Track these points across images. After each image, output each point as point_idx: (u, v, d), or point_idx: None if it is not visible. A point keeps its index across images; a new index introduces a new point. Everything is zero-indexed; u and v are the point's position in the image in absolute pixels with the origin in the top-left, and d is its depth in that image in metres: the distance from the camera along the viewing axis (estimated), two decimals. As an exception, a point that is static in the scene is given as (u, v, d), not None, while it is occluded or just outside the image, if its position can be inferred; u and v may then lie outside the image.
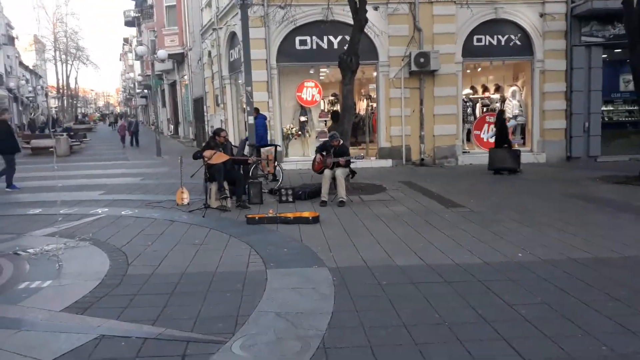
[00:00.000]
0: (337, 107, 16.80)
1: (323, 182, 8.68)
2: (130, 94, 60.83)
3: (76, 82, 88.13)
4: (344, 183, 8.60)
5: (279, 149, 11.87)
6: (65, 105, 77.43)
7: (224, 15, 16.42)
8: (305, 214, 7.45)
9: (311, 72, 15.02)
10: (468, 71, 15.88)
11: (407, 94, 14.43)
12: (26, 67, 53.74)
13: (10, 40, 45.87)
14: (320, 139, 15.14)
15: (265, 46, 13.90)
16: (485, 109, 15.75)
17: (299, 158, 14.76)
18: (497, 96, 15.91)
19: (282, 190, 8.96)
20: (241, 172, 9.24)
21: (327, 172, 8.71)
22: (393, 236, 6.46)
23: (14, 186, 11.11)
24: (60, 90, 77.24)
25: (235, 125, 16.91)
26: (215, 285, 4.72)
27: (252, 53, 13.80)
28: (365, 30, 12.24)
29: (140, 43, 36.70)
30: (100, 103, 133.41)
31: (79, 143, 23.22)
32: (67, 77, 77.70)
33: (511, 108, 15.40)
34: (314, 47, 14.26)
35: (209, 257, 5.67)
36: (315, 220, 7.24)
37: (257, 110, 12.70)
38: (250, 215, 7.38)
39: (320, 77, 16.09)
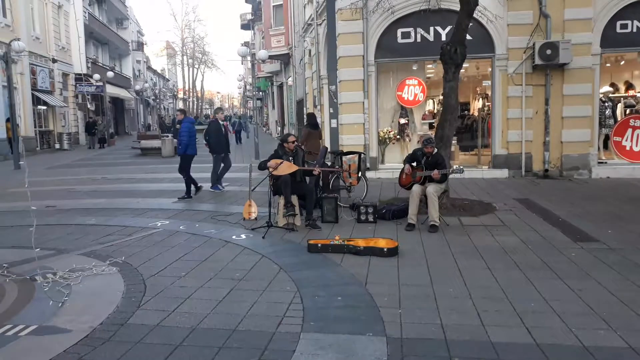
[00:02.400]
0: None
1: (410, 201, 7.05)
2: (248, 96, 62.65)
3: (202, 85, 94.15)
4: (437, 202, 6.90)
5: (363, 156, 10.34)
6: (191, 106, 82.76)
7: (323, 10, 15.26)
8: (381, 243, 5.91)
9: (414, 68, 13.30)
10: (608, 65, 13.14)
11: (529, 92, 12.16)
12: (154, 71, 57.52)
13: (140, 46, 49.23)
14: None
15: (363, 40, 12.47)
16: (629, 111, 12.89)
17: (396, 165, 13.08)
18: (645, 94, 12.95)
19: (362, 207, 7.47)
20: (314, 184, 7.93)
21: (416, 188, 7.07)
22: (493, 286, 4.70)
23: (217, 187, 10.83)
24: (186, 93, 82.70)
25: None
26: (222, 356, 3.40)
27: (347, 49, 12.58)
28: (477, 16, 10.37)
29: (251, 46, 37.17)
30: (226, 105, 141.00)
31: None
32: (194, 80, 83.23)
33: (665, 109, 12.42)
34: (418, 39, 12.54)
35: (240, 300, 4.39)
36: (392, 252, 5.66)
37: (182, 112, 11.73)
38: (312, 241, 6.01)
39: (427, 75, 14.29)
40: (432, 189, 6.91)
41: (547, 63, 11.61)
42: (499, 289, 4.61)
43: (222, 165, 10.90)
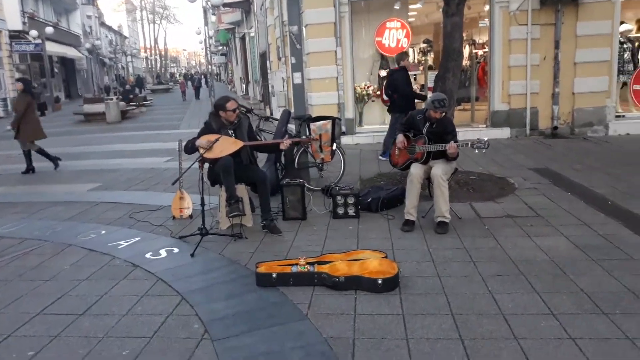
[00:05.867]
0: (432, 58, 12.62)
1: (408, 188, 4.89)
2: (213, 52, 58.84)
3: (165, 42, 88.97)
4: (447, 189, 4.76)
5: (339, 121, 8.03)
6: (153, 66, 78.12)
7: (283, -60, 12.60)
8: (371, 265, 3.77)
9: (396, 7, 10.93)
10: (628, -3, 11.00)
11: (535, 34, 9.98)
12: (109, 28, 53.19)
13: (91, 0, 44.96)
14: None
15: (332, -27, 10.02)
16: (651, 53, 10.85)
17: (377, 128, 10.93)
18: (671, 33, 10.89)
19: (339, 197, 5.30)
20: (272, 164, 5.72)
21: (415, 169, 4.90)
22: (573, 352, 2.64)
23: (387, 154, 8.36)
24: (147, 51, 77.94)
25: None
26: None
27: (312, -17, 10.14)
28: None
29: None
30: (193, 62, 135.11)
31: (134, 108, 20.83)
32: (156, 37, 78.24)
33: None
34: (401, -30, 10.15)
35: None
36: (391, 284, 3.53)
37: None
38: (263, 267, 3.83)
39: (410, 17, 11.91)
40: (440, 170, 4.76)
41: (560, -4, 9.42)
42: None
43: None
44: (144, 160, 9.65)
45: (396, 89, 8.23)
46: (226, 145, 4.73)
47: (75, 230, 5.32)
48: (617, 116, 10.41)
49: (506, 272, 3.77)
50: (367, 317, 3.17)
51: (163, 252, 4.52)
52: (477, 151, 4.67)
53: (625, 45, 10.59)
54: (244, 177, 5.02)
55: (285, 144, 4.83)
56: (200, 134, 4.85)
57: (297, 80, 6.61)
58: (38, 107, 23.06)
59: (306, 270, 3.69)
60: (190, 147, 4.80)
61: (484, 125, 10.73)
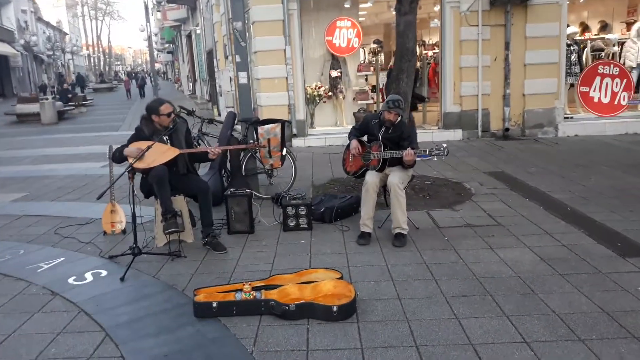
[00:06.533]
0: (382, 59, 12.39)
1: (364, 198, 4.53)
2: (159, 50, 56.99)
3: (109, 39, 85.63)
4: (404, 199, 4.43)
5: (288, 124, 7.65)
6: (96, 63, 74.98)
7: None
8: (325, 287, 3.39)
9: (346, 5, 10.60)
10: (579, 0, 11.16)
11: (486, 35, 9.89)
12: (47, 23, 50.53)
13: (25, -7, 42.47)
14: (359, 101, 10.99)
15: (280, -32, 9.59)
16: (597, 56, 11.01)
17: (329, 130, 10.60)
18: (615, 36, 11.08)
19: (290, 208, 4.88)
20: (216, 172, 5.24)
21: (370, 177, 4.54)
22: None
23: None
24: (89, 48, 74.79)
25: (251, 87, 12.66)
26: None
27: (259, -22, 9.68)
28: None
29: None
30: (139, 60, 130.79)
31: (72, 108, 19.64)
32: (99, 34, 75.09)
33: (636, 53, 10.61)
34: (351, -32, 9.84)
35: None
36: (347, 310, 3.15)
37: None
38: (202, 295, 3.36)
39: (360, 17, 11.62)
40: (397, 178, 4.42)
41: (509, -2, 9.37)
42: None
43: None
44: (79, 165, 8.88)
45: None
46: (159, 154, 4.21)
47: (-12, 252, 4.66)
48: (565, 117, 10.48)
49: (471, 291, 3.47)
50: (321, 354, 2.76)
51: (89, 276, 3.97)
52: (435, 159, 4.37)
53: (572, 48, 10.69)
54: (183, 188, 4.53)
55: (213, 152, 4.35)
56: (130, 141, 4.31)
57: (243, 80, 6.14)
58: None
59: (252, 297, 3.25)
60: (119, 156, 4.26)
61: (436, 127, 10.57)
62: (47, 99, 17.49)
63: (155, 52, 64.56)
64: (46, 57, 47.69)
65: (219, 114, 15.08)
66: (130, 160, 4.11)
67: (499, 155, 8.36)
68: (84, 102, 21.82)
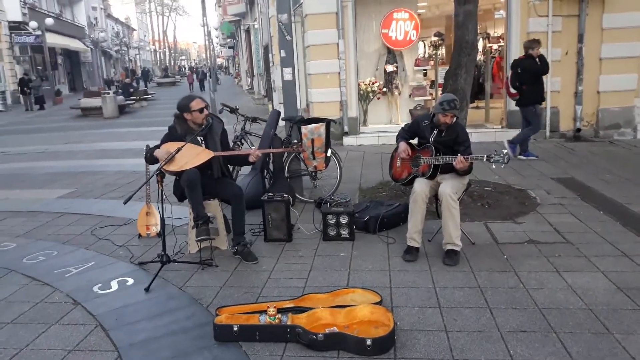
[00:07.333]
0: (444, 52, 11.74)
1: (411, 208, 4.08)
2: (221, 45, 58.03)
3: (174, 35, 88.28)
4: (458, 211, 3.94)
5: (335, 124, 7.25)
6: (161, 58, 77.50)
7: None
8: (361, 313, 3.00)
9: (404, -3, 10.06)
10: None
11: (557, 26, 9.09)
12: (116, 20, 52.55)
13: (97, -10, 44.31)
14: (416, 98, 10.41)
15: (335, -41, 9.19)
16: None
17: (383, 127, 10.12)
18: None
19: (330, 215, 4.51)
20: (259, 172, 4.93)
21: (419, 185, 4.08)
22: None
23: (530, 153, 7.80)
24: (155, 43, 77.39)
25: (302, 83, 12.34)
26: None
27: (312, -30, 9.32)
28: None
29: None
30: (203, 55, 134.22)
31: (133, 102, 20.12)
32: (165, 29, 77.53)
33: None
34: (410, -44, 9.30)
35: None
36: (383, 345, 2.74)
37: None
38: (223, 316, 3.05)
39: (419, 9, 11.02)
40: (450, 188, 3.94)
41: (585, -15, 8.52)
42: None
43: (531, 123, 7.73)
44: (129, 161, 8.91)
45: (527, 79, 7.55)
46: (192, 156, 3.94)
47: (24, 251, 4.58)
48: (646, 117, 9.49)
49: (531, 325, 2.96)
50: (349, 399, 2.38)
51: (114, 284, 3.76)
52: (494, 166, 3.85)
53: (656, 40, 9.65)
54: (216, 193, 4.25)
55: (254, 156, 4.03)
56: (163, 141, 4.08)
57: (288, 77, 5.81)
58: (35, 101, 22.51)
59: (277, 321, 2.91)
60: (150, 157, 4.03)
61: (499, 126, 9.86)
62: (109, 93, 17.94)
63: (218, 47, 66.03)
64: (114, 53, 49.61)
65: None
66: (161, 162, 3.86)
67: (569, 159, 7.61)
68: (145, 97, 22.34)
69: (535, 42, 7.66)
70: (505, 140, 8.02)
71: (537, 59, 7.56)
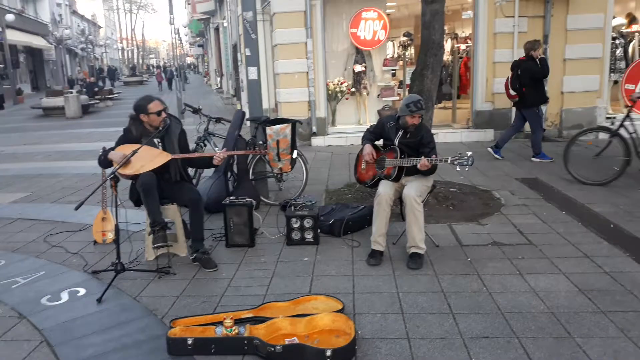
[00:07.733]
0: (412, 53, 11.75)
1: (376, 212, 4.01)
2: (190, 43, 57.22)
3: (142, 33, 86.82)
4: (422, 214, 3.88)
5: (300, 125, 7.17)
6: (130, 57, 75.96)
7: None
8: (321, 322, 2.90)
9: (372, -4, 10.03)
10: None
11: (523, 27, 9.20)
12: (81, 17, 51.28)
13: (60, -14, 43.09)
14: (384, 98, 10.39)
15: (302, -45, 9.09)
16: (646, 50, 10.14)
17: (351, 128, 10.06)
18: (666, 28, 10.18)
19: (294, 219, 4.40)
20: (221, 174, 4.79)
21: (384, 188, 4.01)
22: None
23: (545, 155, 7.58)
24: (124, 41, 75.85)
25: (271, 83, 12.18)
26: None
27: (279, -32, 9.19)
28: None
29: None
30: (171, 54, 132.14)
31: (97, 101, 19.60)
32: (133, 27, 76.13)
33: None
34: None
35: None
36: (343, 355, 2.65)
37: None
38: (177, 328, 2.91)
39: (388, 8, 11.00)
40: (414, 190, 3.88)
41: (550, -14, 8.63)
42: None
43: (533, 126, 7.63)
44: (89, 163, 8.56)
45: (527, 81, 7.44)
46: (148, 159, 3.78)
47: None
48: (608, 118, 9.64)
49: (494, 331, 2.92)
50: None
51: (64, 295, 3.57)
52: (458, 169, 3.81)
53: (617, 41, 9.87)
54: (174, 197, 4.09)
55: (218, 158, 3.90)
56: (118, 143, 3.90)
57: (253, 76, 5.67)
58: (-6, 100, 21.72)
59: (234, 333, 2.79)
60: (104, 160, 3.84)
61: (466, 127, 9.92)
62: (71, 92, 17.41)
63: (188, 46, 64.92)
64: (80, 51, 48.40)
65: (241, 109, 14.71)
66: (115, 165, 3.69)
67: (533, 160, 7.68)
68: (110, 96, 21.80)
69: (537, 43, 7.58)
70: (489, 148, 7.97)
71: (537, 61, 7.47)
